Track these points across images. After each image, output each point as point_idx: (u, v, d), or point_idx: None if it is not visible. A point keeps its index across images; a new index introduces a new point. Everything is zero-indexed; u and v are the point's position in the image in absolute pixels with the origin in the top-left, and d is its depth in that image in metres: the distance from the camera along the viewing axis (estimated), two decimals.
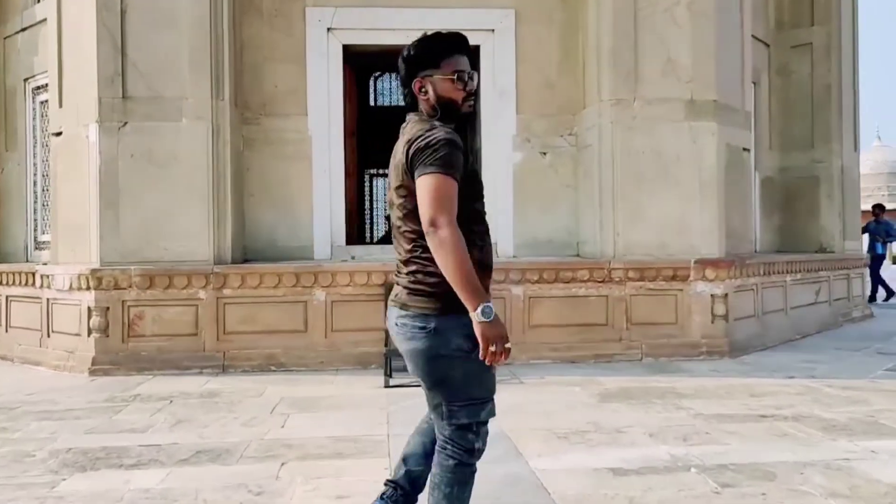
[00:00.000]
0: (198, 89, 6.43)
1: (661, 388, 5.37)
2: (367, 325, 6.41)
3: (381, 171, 14.12)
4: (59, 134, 6.81)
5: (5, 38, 9.10)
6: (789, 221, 10.07)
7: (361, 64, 8.30)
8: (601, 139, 6.86)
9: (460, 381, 2.18)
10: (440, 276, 2.09)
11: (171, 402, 5.11)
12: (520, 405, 4.83)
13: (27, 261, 8.72)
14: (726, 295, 6.76)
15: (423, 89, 2.21)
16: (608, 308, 6.73)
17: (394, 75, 14.30)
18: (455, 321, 2.12)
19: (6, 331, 7.41)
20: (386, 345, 5.95)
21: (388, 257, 7.16)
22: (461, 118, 2.22)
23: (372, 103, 14.12)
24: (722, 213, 6.89)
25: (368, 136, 9.60)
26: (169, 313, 6.36)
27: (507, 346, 2.06)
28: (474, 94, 2.21)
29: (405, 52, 2.24)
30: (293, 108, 7.29)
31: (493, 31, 7.46)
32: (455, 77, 2.17)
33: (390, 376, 5.63)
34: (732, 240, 7.09)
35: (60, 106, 6.78)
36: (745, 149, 7.42)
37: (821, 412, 4.54)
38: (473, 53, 8.05)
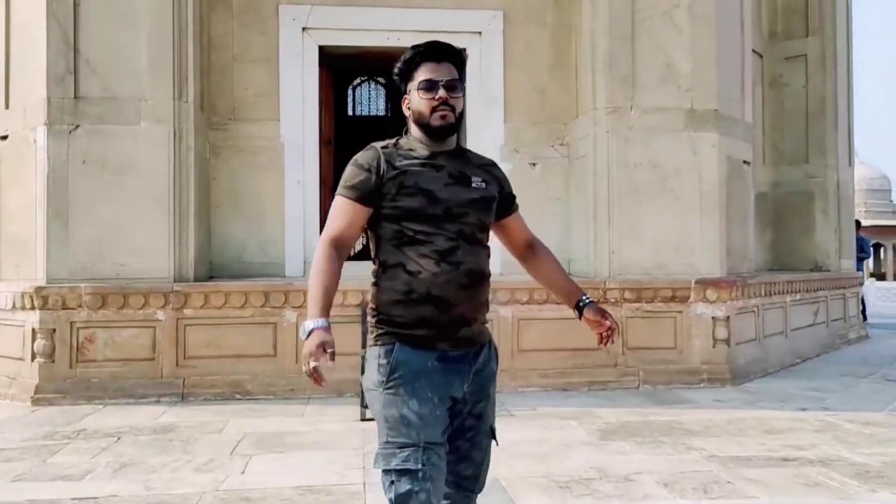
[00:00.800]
0: (158, 90, 5.87)
1: (666, 422, 4.89)
2: (343, 349, 5.71)
3: None
4: (4, 137, 6.20)
5: None
6: (782, 238, 9.71)
7: (339, 69, 7.80)
8: (595, 150, 6.40)
9: (379, 418, 2.02)
10: (375, 307, 2.06)
11: (118, 439, 4.53)
12: (512, 445, 4.32)
13: None
14: (728, 317, 6.32)
15: (408, 107, 2.11)
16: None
17: (373, 84, 13.85)
18: (376, 352, 2.03)
19: None
20: (362, 373, 5.40)
21: (364, 275, 6.62)
22: (434, 132, 2.05)
23: (350, 112, 13.61)
24: (723, 230, 6.46)
25: (347, 147, 9.06)
26: (123, 336, 5.77)
27: (313, 364, 1.87)
28: (450, 104, 2.03)
29: (394, 71, 2.14)
30: (265, 113, 6.75)
31: (479, 33, 7.00)
32: (423, 87, 2.03)
33: (366, 407, 5.09)
34: (733, 258, 6.66)
35: (7, 107, 6.17)
36: (745, 161, 7.01)
37: (849, 454, 4.08)
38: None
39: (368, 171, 2.02)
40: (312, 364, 1.86)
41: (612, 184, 6.33)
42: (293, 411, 5.31)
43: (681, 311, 6.28)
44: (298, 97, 6.77)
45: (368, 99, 14.28)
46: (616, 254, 6.30)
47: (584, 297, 2.27)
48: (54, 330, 5.70)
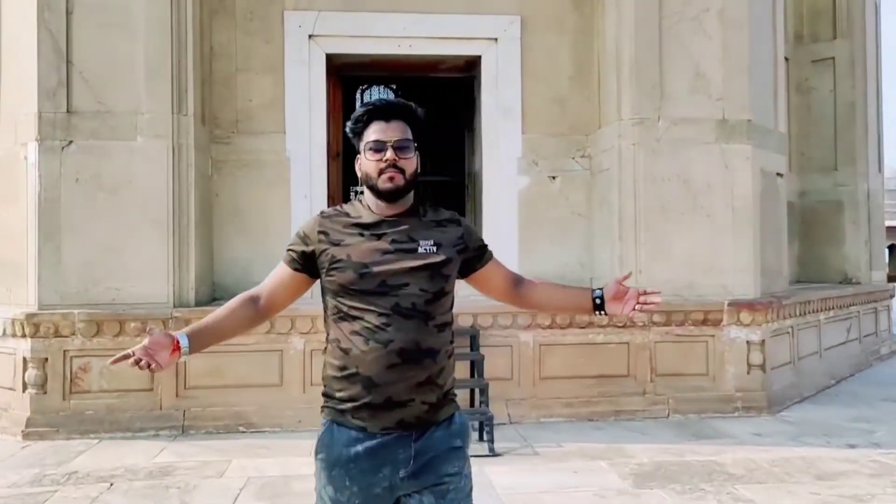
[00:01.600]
0: (156, 102, 5.52)
1: (705, 464, 4.50)
2: None
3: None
4: None
5: None
6: (810, 250, 9.29)
7: (347, 76, 7.44)
8: (621, 163, 6.01)
9: None
10: (322, 378, 2.00)
11: (110, 485, 4.17)
12: (539, 493, 3.94)
13: None
14: (763, 341, 5.92)
15: (359, 168, 2.00)
16: (630, 357, 5.87)
17: (381, 87, 13.49)
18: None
19: None
20: None
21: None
22: (382, 195, 1.94)
23: None
24: (757, 248, 6.06)
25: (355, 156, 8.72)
26: (119, 365, 5.40)
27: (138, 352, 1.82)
28: (398, 166, 1.92)
29: (346, 129, 2.06)
30: (270, 126, 6.39)
31: (495, 39, 6.63)
32: (371, 147, 1.93)
33: None
34: (767, 277, 6.27)
35: None
36: (778, 174, 6.61)
37: None
38: (472, 65, 7.31)
39: (303, 241, 1.99)
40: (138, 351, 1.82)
41: (639, 199, 5.94)
42: (301, 448, 4.91)
43: (713, 335, 5.89)
44: (305, 108, 6.41)
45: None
46: (643, 273, 5.91)
47: (595, 291, 2.11)
48: (46, 359, 5.36)
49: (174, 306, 5.48)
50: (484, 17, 6.58)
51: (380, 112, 1.97)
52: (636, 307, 2.07)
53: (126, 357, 1.81)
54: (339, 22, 6.41)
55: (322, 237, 1.95)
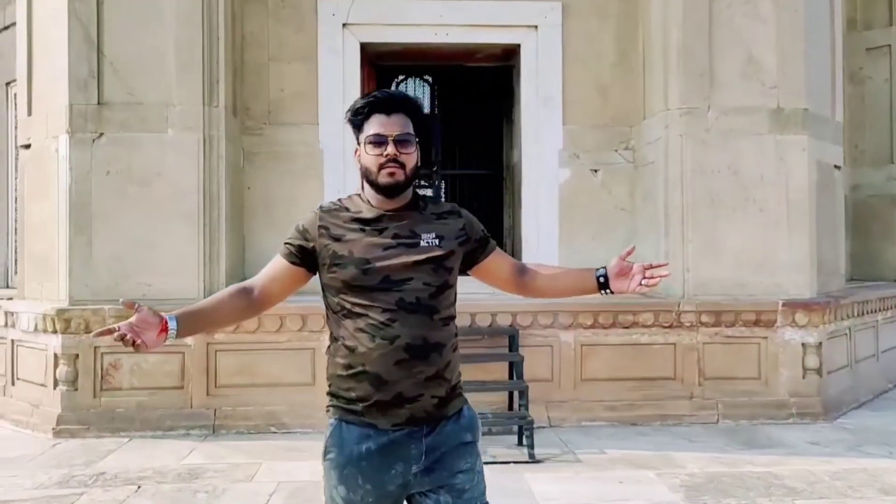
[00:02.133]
0: (187, 94, 5.38)
1: (761, 475, 4.22)
2: None
3: None
4: (27, 146, 5.80)
5: None
6: (863, 246, 8.82)
7: (381, 65, 7.24)
8: (667, 155, 5.72)
9: None
10: (327, 378, 1.97)
11: (138, 488, 4.04)
12: None
13: (7, 286, 7.78)
14: (820, 344, 5.59)
15: (358, 160, 1.96)
16: (676, 359, 5.59)
17: (418, 80, 13.29)
18: (328, 423, 1.96)
19: None
20: None
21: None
22: (382, 190, 1.90)
23: None
24: (813, 244, 5.73)
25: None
26: (150, 362, 5.31)
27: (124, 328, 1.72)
28: (399, 161, 1.87)
29: (346, 118, 2.01)
30: (302, 116, 6.23)
31: (535, 27, 6.36)
32: (371, 141, 1.88)
33: None
34: (823, 275, 5.93)
35: (30, 114, 5.77)
36: (836, 166, 6.25)
37: None
38: (510, 54, 7.06)
39: (303, 236, 1.94)
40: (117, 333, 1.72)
41: (687, 193, 5.65)
42: None
43: (766, 337, 5.58)
44: (338, 99, 6.22)
45: (414, 93, 13.70)
46: (691, 272, 5.62)
47: (598, 270, 2.07)
48: (77, 355, 5.27)
49: None
50: (523, 3, 6.32)
51: (381, 105, 1.91)
52: (642, 282, 2.04)
53: (110, 331, 1.71)
54: (373, 9, 6.21)
55: (323, 232, 1.91)
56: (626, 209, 6.35)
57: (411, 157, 1.90)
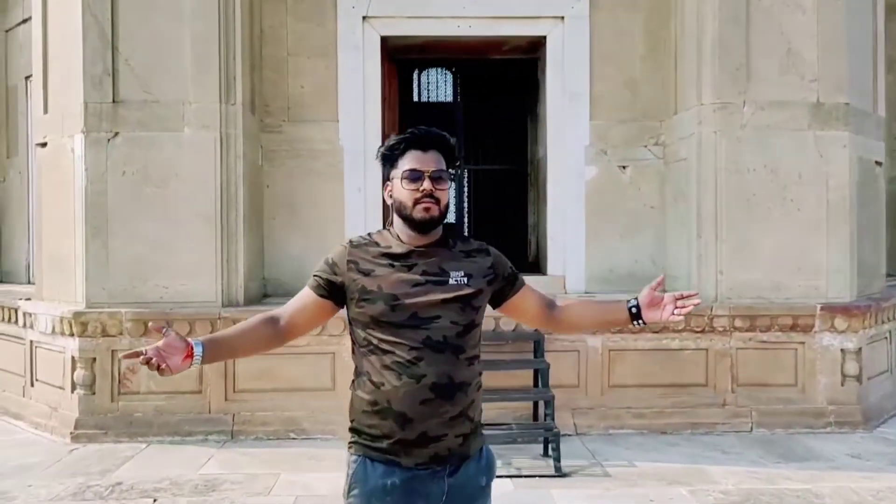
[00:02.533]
0: (203, 91, 5.25)
1: (799, 491, 4.02)
2: None
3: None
4: (44, 145, 5.71)
5: (7, 31, 8.12)
6: None
7: (403, 59, 7.06)
8: (700, 152, 5.48)
9: None
10: (349, 412, 1.97)
11: (154, 501, 3.94)
12: None
13: (29, 282, 7.72)
14: (859, 349, 5.35)
15: (390, 195, 1.98)
16: (708, 364, 5.38)
17: (440, 69, 13.04)
18: (347, 459, 1.96)
19: None
20: None
21: None
22: (417, 225, 1.90)
23: (416, 99, 12.82)
24: (854, 245, 5.47)
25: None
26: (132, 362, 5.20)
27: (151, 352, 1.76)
28: (434, 197, 1.89)
29: (376, 154, 2.06)
30: (322, 113, 6.07)
31: (561, 18, 6.13)
32: (408, 176, 1.89)
33: None
34: (864, 277, 5.67)
35: (45, 112, 5.67)
36: (877, 162, 5.97)
37: None
38: (536, 46, 6.83)
39: (332, 269, 1.95)
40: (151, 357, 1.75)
41: (721, 192, 5.41)
42: None
43: (803, 342, 5.35)
44: (359, 95, 6.06)
45: (437, 85, 13.42)
46: (725, 274, 5.39)
47: (630, 301, 2.08)
48: (94, 359, 5.20)
49: (223, 306, 5.24)
50: None
51: (417, 141, 1.93)
52: (675, 312, 2.04)
53: (137, 354, 1.76)
54: (394, 2, 6.01)
55: (352, 266, 1.92)
56: (655, 207, 6.13)
57: (445, 194, 1.92)
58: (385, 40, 6.14)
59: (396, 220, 1.95)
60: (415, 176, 1.89)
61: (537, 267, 6.73)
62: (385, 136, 6.27)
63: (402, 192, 1.90)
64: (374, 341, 1.88)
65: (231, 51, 5.30)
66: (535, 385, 5.08)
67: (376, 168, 6.23)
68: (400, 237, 1.94)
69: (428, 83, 13.65)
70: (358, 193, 6.04)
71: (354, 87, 6.04)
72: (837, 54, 5.42)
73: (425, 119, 9.30)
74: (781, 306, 5.34)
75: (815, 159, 5.40)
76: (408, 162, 1.90)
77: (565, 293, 6.04)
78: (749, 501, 3.90)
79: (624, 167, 6.15)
